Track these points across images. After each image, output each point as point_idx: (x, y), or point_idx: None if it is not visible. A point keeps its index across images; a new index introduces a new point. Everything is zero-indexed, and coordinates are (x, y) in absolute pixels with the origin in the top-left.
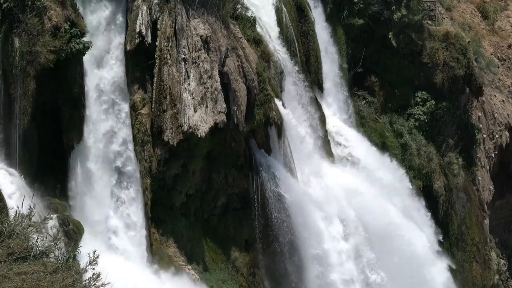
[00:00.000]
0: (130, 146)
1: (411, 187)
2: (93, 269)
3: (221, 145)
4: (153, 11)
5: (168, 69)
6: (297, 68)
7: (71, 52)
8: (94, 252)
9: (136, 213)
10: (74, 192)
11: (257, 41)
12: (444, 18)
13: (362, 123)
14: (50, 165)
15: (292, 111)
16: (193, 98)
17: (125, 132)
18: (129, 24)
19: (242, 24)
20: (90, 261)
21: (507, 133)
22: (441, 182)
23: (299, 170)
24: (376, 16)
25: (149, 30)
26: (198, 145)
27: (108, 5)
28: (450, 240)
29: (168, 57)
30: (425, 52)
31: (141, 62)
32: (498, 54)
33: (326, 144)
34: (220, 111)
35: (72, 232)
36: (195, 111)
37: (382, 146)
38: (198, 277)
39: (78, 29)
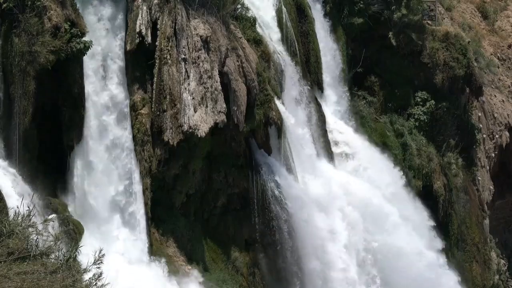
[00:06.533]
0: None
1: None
2: (98, 268)
3: (221, 145)
4: (153, 11)
5: (168, 69)
6: (297, 68)
7: (71, 52)
8: (100, 251)
9: (136, 213)
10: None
11: (257, 41)
12: (444, 18)
13: (362, 123)
14: (50, 165)
15: (292, 111)
16: (193, 98)
17: None
18: (129, 24)
19: (242, 24)
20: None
21: (507, 133)
22: (441, 182)
23: (299, 170)
24: (376, 16)
25: (149, 30)
26: (198, 145)
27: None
28: (450, 240)
29: (168, 57)
30: (425, 52)
31: (141, 62)
32: (498, 54)
33: (326, 143)
34: (220, 111)
35: (72, 232)
36: (195, 111)
37: (383, 146)
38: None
39: (78, 29)
